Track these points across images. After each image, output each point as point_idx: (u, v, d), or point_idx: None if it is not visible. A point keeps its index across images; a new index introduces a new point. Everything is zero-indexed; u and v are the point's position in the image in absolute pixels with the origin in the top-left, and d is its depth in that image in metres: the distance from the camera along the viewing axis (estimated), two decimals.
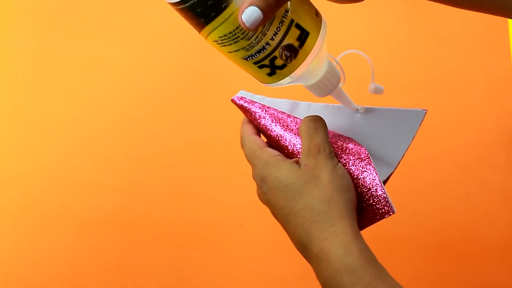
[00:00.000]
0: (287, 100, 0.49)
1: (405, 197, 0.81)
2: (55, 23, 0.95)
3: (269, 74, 0.39)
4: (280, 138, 0.45)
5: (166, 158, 0.85)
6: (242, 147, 0.46)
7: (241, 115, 0.48)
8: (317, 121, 0.43)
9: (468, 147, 0.86)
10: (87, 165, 0.84)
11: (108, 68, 0.91)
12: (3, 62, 0.92)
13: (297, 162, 0.42)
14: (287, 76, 0.39)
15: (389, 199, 0.41)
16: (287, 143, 0.45)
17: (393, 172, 0.44)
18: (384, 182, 0.44)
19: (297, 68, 0.38)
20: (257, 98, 0.49)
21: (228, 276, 0.78)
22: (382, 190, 0.41)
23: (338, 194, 0.40)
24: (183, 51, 0.93)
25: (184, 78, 0.91)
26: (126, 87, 0.90)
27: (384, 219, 0.42)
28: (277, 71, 0.39)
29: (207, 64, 0.91)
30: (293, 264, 0.76)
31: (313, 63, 0.39)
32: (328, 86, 0.43)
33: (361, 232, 0.41)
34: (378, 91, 0.48)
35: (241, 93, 0.49)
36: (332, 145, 0.44)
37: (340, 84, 0.45)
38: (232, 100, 0.49)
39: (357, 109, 0.47)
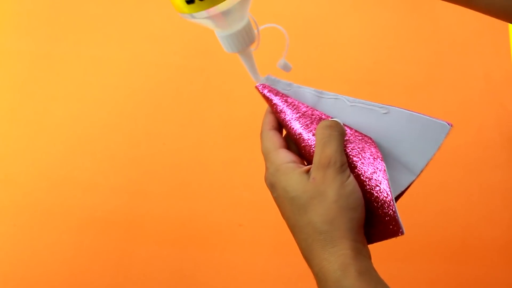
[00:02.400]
0: (313, 90, 0.47)
1: (405, 197, 0.81)
2: (55, 23, 0.95)
3: (188, 2, 0.39)
4: (299, 137, 0.44)
5: (166, 158, 0.85)
6: (260, 140, 0.45)
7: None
8: (333, 129, 0.42)
9: (468, 147, 0.86)
10: (87, 164, 0.84)
11: (108, 68, 0.91)
12: (3, 62, 0.92)
13: (308, 171, 0.40)
14: (204, 10, 0.39)
15: (400, 220, 0.40)
16: (305, 143, 0.43)
17: (414, 180, 0.43)
18: (406, 190, 0.43)
19: (217, 4, 0.38)
20: (282, 84, 0.47)
21: (228, 276, 0.78)
22: (393, 209, 0.40)
23: (342, 214, 0.38)
24: (183, 51, 0.93)
25: (184, 78, 0.91)
26: (126, 87, 0.90)
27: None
28: (197, 1, 0.38)
29: (207, 64, 0.91)
30: (293, 264, 0.76)
31: (233, 9, 0.39)
32: (240, 42, 0.43)
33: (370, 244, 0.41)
34: (286, 68, 0.48)
35: (267, 78, 0.47)
36: (349, 152, 0.42)
37: (252, 49, 0.44)
38: (257, 87, 0.47)
39: (260, 79, 0.46)
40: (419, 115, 0.44)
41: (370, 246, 0.41)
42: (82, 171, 0.84)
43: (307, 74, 0.90)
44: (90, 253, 0.79)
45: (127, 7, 0.97)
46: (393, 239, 0.41)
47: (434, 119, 0.44)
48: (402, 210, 0.87)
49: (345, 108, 0.45)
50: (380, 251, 0.83)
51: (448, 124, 0.44)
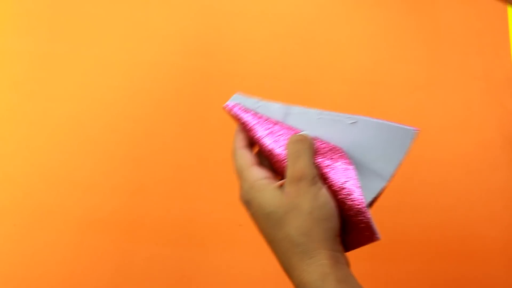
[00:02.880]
0: (280, 105, 0.48)
1: (405, 197, 0.81)
2: (54, 23, 0.95)
3: None
4: (271, 153, 0.45)
5: (166, 158, 0.85)
6: (232, 159, 0.46)
7: None
8: (302, 143, 0.43)
9: (468, 147, 0.86)
10: (86, 165, 0.84)
11: (108, 68, 0.91)
12: (3, 62, 0.92)
13: (282, 186, 0.42)
14: None
15: (374, 226, 0.42)
16: (276, 159, 0.44)
17: (386, 186, 0.44)
18: (378, 195, 0.44)
19: None
20: (251, 101, 0.49)
21: (228, 276, 0.78)
22: (367, 216, 0.41)
23: (318, 225, 0.40)
24: (183, 51, 0.93)
25: (184, 78, 0.90)
26: (126, 87, 0.90)
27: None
28: None
29: (207, 64, 0.91)
30: None
31: None
32: None
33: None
34: None
35: (235, 97, 0.49)
36: (319, 164, 0.43)
37: None
38: (225, 108, 0.49)
39: None
40: (385, 122, 0.45)
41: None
42: (82, 171, 0.84)
43: (307, 75, 0.90)
44: (90, 253, 0.79)
45: (127, 7, 0.97)
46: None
47: (400, 126, 0.45)
48: (403, 210, 0.87)
49: (313, 121, 0.47)
50: (380, 252, 0.84)
51: (414, 129, 0.44)
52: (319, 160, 0.43)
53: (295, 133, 0.45)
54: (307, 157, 0.42)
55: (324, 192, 0.41)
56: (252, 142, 0.47)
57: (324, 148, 0.45)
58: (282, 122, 0.47)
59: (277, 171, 0.45)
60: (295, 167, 0.41)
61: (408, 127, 0.44)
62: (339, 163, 0.43)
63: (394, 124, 0.45)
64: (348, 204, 0.42)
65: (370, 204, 0.44)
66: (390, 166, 0.44)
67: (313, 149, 0.43)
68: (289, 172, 0.41)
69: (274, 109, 0.48)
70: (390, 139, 0.45)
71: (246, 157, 0.45)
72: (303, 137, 0.44)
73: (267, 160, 0.46)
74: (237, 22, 0.94)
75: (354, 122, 0.45)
